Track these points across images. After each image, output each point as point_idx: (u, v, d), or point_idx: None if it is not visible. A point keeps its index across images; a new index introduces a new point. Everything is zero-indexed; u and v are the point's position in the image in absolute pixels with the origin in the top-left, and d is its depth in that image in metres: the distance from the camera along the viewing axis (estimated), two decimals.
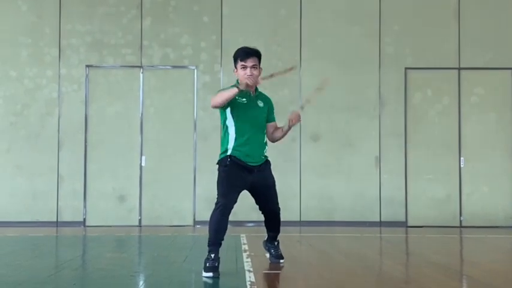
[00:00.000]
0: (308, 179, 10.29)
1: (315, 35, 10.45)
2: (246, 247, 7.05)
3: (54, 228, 9.86)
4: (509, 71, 10.46)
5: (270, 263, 5.83)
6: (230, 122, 5.38)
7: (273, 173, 5.63)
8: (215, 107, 5.30)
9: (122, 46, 10.37)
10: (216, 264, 5.16)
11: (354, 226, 9.96)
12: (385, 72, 10.42)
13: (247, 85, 5.27)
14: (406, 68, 10.45)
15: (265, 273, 5.44)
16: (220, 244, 5.27)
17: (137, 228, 10.00)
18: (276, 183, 5.66)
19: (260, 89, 5.61)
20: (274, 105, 5.68)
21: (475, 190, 10.36)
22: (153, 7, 10.43)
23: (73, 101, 10.28)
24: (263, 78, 5.47)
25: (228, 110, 5.37)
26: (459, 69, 10.46)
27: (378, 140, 10.36)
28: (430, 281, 5.07)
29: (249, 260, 6.04)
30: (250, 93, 5.47)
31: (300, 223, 10.16)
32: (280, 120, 5.65)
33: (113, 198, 10.21)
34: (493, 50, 10.47)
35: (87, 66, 10.34)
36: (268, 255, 5.96)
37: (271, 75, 5.55)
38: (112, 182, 10.22)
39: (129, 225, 10.13)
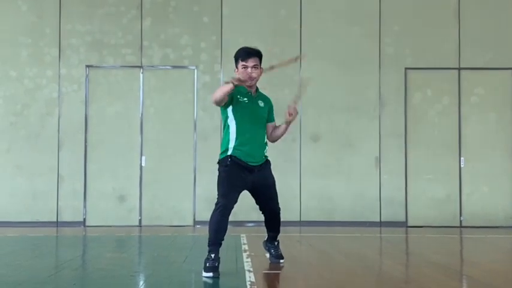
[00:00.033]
0: (308, 179, 10.28)
1: (315, 36, 10.44)
2: (246, 247, 7.05)
3: (54, 228, 9.86)
4: (509, 71, 10.46)
5: (270, 263, 5.83)
6: (231, 121, 5.38)
7: (273, 173, 5.63)
8: (215, 102, 5.28)
9: (122, 46, 10.37)
10: (216, 264, 5.16)
11: (354, 226, 9.96)
12: (385, 72, 10.42)
13: (239, 80, 5.23)
14: (406, 68, 10.45)
15: (265, 273, 5.44)
16: (221, 244, 5.27)
17: (137, 228, 10.01)
18: (276, 184, 5.67)
19: (260, 89, 5.62)
20: (274, 105, 5.68)
21: (475, 190, 10.36)
22: (153, 7, 10.43)
23: (73, 101, 10.29)
24: (264, 71, 5.48)
25: (230, 109, 5.37)
26: (459, 69, 10.46)
27: (378, 140, 10.36)
28: (430, 281, 5.07)
29: (249, 260, 6.04)
30: (251, 93, 5.47)
31: (300, 223, 10.16)
32: (280, 121, 5.65)
33: (113, 198, 10.21)
34: (493, 50, 10.47)
35: (87, 66, 10.34)
36: (268, 255, 5.96)
37: (272, 67, 5.53)
38: (112, 182, 10.23)
39: (129, 225, 10.14)
